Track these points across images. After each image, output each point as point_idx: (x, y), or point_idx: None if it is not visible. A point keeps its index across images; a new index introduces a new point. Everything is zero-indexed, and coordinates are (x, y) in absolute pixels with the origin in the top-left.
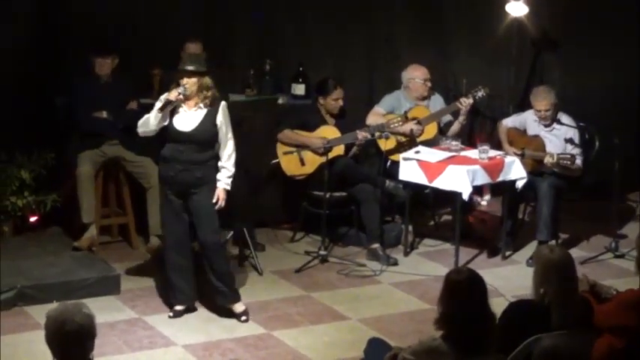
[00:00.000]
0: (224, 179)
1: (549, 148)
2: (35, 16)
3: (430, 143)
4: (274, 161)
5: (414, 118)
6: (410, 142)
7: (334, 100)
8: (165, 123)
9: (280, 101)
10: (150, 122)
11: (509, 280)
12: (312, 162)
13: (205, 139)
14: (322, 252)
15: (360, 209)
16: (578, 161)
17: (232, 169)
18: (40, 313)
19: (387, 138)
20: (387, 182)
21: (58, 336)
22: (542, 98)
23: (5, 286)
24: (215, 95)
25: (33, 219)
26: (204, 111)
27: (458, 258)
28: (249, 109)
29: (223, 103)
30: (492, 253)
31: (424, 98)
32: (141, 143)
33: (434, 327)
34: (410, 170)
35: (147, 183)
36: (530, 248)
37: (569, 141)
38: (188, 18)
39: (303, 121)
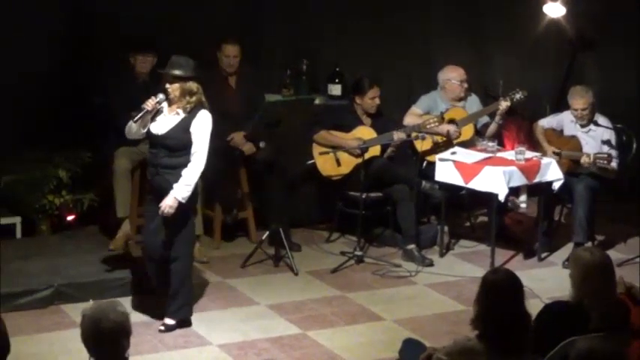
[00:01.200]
0: (177, 186)
1: (586, 149)
2: (72, 17)
3: (466, 144)
4: (310, 162)
5: (450, 120)
6: (446, 143)
7: (371, 99)
8: (145, 130)
9: (317, 101)
10: (132, 130)
11: (545, 281)
12: (348, 162)
13: (175, 144)
14: (358, 252)
15: (395, 210)
16: (614, 163)
17: (190, 181)
18: (76, 311)
19: (423, 139)
20: (423, 183)
21: (94, 334)
22: (580, 97)
23: (42, 284)
24: (200, 101)
25: (70, 218)
26: (181, 116)
27: (494, 259)
28: (286, 110)
29: (204, 111)
30: (528, 255)
31: (460, 99)
32: None
33: (470, 327)
34: (446, 171)
35: None
36: (566, 250)
37: (607, 142)
38: (224, 18)
39: (339, 121)
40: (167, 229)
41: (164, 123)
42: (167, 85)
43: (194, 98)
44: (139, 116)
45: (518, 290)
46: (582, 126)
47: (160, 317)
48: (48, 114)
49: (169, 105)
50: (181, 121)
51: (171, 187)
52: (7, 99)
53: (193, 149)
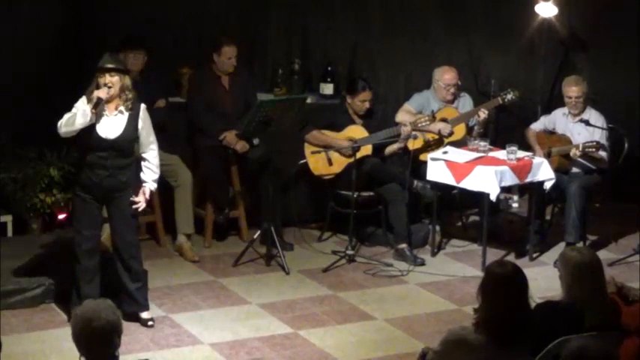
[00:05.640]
0: (150, 181)
1: (579, 139)
2: (64, 13)
3: (458, 144)
4: (302, 161)
5: (442, 119)
6: (438, 142)
7: (361, 102)
8: (90, 122)
9: (309, 100)
10: (77, 121)
11: (536, 281)
12: (340, 162)
13: (129, 146)
14: (349, 252)
15: (387, 209)
16: (603, 153)
17: (158, 172)
18: (67, 309)
19: (414, 138)
20: (415, 182)
21: (85, 333)
22: (575, 84)
23: (33, 282)
24: (135, 97)
25: (61, 216)
26: (126, 116)
27: (485, 259)
28: (278, 109)
29: (143, 105)
30: (520, 254)
31: (448, 101)
32: (169, 141)
33: (473, 314)
34: (438, 170)
35: (174, 181)
36: (557, 249)
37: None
38: (217, 16)
39: (331, 120)
40: (127, 221)
41: (111, 125)
42: (107, 80)
43: (132, 94)
44: (94, 103)
45: (523, 284)
46: (575, 115)
47: (154, 317)
48: (39, 112)
49: (107, 103)
50: (128, 121)
51: (123, 186)
52: None
53: (149, 141)
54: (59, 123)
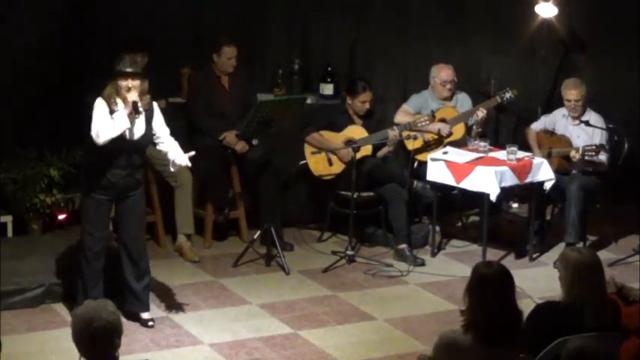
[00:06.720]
0: (179, 150)
1: (578, 142)
2: (64, 14)
3: (458, 144)
4: (302, 162)
5: (441, 119)
6: (437, 142)
7: (361, 103)
8: (128, 126)
9: (309, 101)
10: (117, 128)
11: (536, 281)
12: (340, 162)
13: (147, 144)
14: (349, 252)
15: (387, 209)
16: (602, 157)
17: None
18: (67, 310)
19: (414, 139)
20: (415, 183)
21: (85, 333)
22: (574, 88)
23: (33, 283)
24: (150, 99)
25: (61, 217)
26: (142, 116)
27: (485, 259)
28: (278, 109)
29: (155, 103)
30: (520, 255)
31: (444, 99)
32: None
33: (460, 317)
34: (438, 171)
35: (174, 181)
36: (557, 250)
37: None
38: (217, 17)
39: (331, 120)
40: (140, 219)
41: (134, 127)
42: (130, 83)
43: (148, 97)
44: (132, 107)
45: (510, 285)
46: (574, 118)
47: (154, 317)
48: (40, 112)
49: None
50: (146, 121)
51: (138, 184)
52: None
53: (167, 136)
54: (94, 132)
